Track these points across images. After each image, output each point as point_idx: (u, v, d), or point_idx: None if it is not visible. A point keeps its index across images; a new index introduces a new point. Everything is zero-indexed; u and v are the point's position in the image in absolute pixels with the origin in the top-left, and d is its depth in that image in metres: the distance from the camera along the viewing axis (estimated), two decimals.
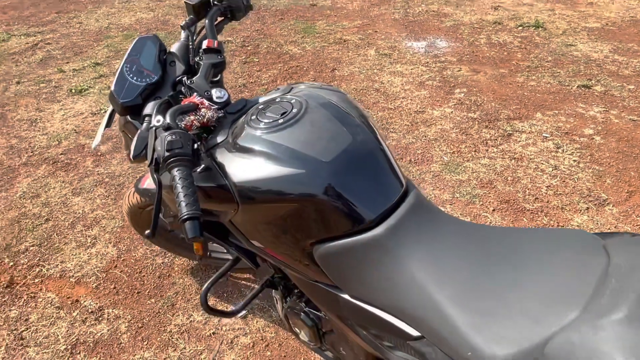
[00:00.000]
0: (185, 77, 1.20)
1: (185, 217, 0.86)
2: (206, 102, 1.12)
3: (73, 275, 2.10)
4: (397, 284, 0.93)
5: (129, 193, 1.75)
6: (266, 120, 1.04)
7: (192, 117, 1.11)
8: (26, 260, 2.19)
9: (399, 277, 0.93)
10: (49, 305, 1.97)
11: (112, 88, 1.18)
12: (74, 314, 1.93)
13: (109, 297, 1.99)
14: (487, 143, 2.83)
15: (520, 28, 4.46)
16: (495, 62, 3.82)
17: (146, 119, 1.14)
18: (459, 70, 3.70)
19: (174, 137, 0.94)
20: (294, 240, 1.03)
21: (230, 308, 1.92)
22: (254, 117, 1.07)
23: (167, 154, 0.93)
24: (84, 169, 2.78)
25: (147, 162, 1.01)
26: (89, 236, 2.30)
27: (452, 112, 3.16)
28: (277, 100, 1.11)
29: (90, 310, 1.94)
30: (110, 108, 1.32)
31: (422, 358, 0.94)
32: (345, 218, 0.97)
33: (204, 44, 1.23)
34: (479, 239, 0.96)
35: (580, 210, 2.30)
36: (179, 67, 1.25)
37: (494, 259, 0.91)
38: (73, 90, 3.61)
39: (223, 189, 1.02)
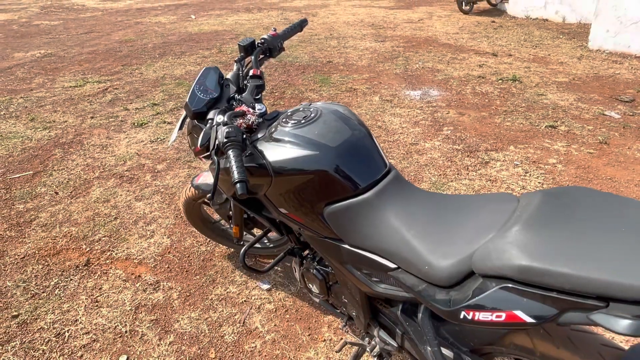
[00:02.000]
0: (236, 95, 1.52)
1: (237, 180, 1.14)
2: (251, 111, 1.43)
3: (136, 258, 2.37)
4: (380, 230, 1.20)
5: (185, 189, 2.04)
6: (293, 121, 1.34)
7: (241, 120, 1.41)
8: (99, 246, 2.48)
9: (381, 225, 1.20)
10: (117, 278, 2.24)
11: (187, 100, 1.49)
12: (137, 285, 2.19)
13: (164, 273, 2.26)
14: (468, 168, 3.09)
15: (500, 81, 4.78)
16: (478, 107, 4.12)
17: (209, 121, 1.44)
18: (447, 113, 4.01)
19: (230, 129, 1.24)
20: (310, 203, 1.30)
21: (261, 268, 2.17)
22: (284, 119, 1.37)
23: (225, 140, 1.23)
24: (144, 182, 3.10)
25: (210, 148, 1.30)
26: (148, 230, 2.58)
27: (440, 144, 3.44)
28: (300, 109, 1.42)
29: (149, 283, 2.20)
30: (183, 114, 1.63)
31: (399, 284, 1.19)
32: (346, 185, 1.24)
33: (251, 72, 1.55)
34: (437, 200, 1.23)
35: None
36: (232, 88, 1.56)
37: (444, 210, 1.18)
38: (135, 124, 3.99)
39: (262, 167, 1.31)
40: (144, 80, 5.18)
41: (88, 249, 2.47)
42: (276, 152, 1.30)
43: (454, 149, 3.36)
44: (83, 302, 2.11)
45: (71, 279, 2.25)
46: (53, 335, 1.93)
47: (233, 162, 1.18)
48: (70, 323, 1.99)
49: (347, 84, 4.85)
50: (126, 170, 3.25)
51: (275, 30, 1.74)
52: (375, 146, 1.32)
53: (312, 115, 1.35)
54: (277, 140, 1.32)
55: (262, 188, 1.40)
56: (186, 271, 2.27)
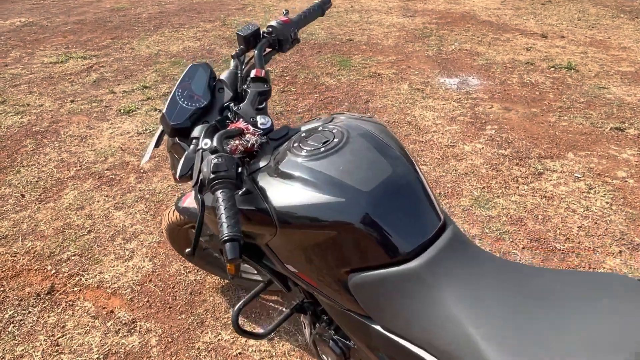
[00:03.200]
0: (232, 104, 1.21)
1: (226, 238, 0.85)
2: (251, 128, 1.13)
3: (110, 287, 2.11)
4: (432, 318, 0.89)
5: (168, 211, 1.76)
6: (308, 148, 1.04)
7: (237, 142, 1.11)
8: (67, 269, 2.22)
9: (433, 312, 0.90)
10: (85, 314, 1.98)
11: (164, 110, 1.19)
12: (108, 324, 1.93)
13: (142, 310, 1.99)
14: (517, 180, 2.76)
15: (553, 69, 4.39)
16: (527, 101, 3.76)
17: (193, 141, 1.14)
18: (490, 107, 3.66)
19: (219, 160, 0.94)
20: (329, 268, 1.00)
21: (259, 330, 1.89)
22: (296, 144, 1.07)
23: (212, 175, 0.93)
24: (127, 184, 2.83)
25: (192, 182, 1.01)
26: (127, 249, 2.32)
27: (482, 148, 3.11)
28: (319, 129, 1.11)
29: (123, 322, 1.94)
30: (160, 128, 1.34)
31: None
32: (381, 249, 0.94)
33: (252, 73, 1.24)
34: (517, 278, 0.92)
35: (613, 254, 2.20)
36: (227, 94, 1.26)
37: (532, 299, 0.87)
38: (122, 111, 3.71)
39: (263, 212, 1.01)
40: (135, 57, 4.89)
41: (54, 271, 2.21)
42: (283, 193, 1.00)
43: (499, 154, 3.03)
44: (41, 344, 1.85)
45: (30, 312, 2.00)
46: None
47: (222, 210, 0.89)
48: None
49: (370, 67, 4.51)
50: (107, 169, 2.98)
51: (287, 13, 1.43)
52: (425, 190, 1.01)
53: (336, 140, 1.04)
54: (286, 176, 1.02)
55: (262, 237, 1.11)
56: (169, 307, 1.99)
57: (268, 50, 1.38)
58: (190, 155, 1.10)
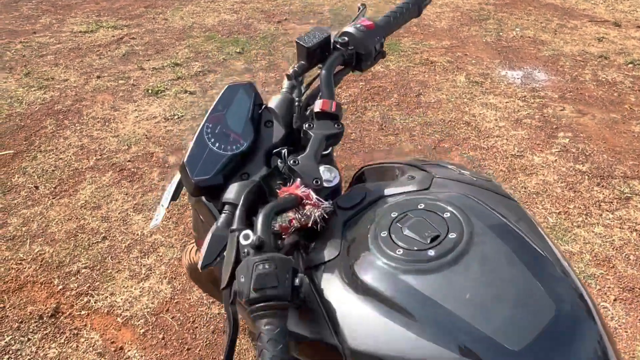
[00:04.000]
0: (285, 151, 0.82)
1: None
2: (313, 197, 0.73)
3: (121, 314, 1.79)
4: None
5: (190, 249, 1.40)
6: (406, 246, 0.64)
7: (291, 215, 0.73)
8: (76, 285, 1.91)
9: None
10: (91, 348, 1.67)
11: (186, 158, 0.81)
12: None
13: (156, 349, 1.66)
14: (600, 206, 2.30)
15: (631, 65, 3.80)
16: (605, 104, 3.22)
17: (226, 207, 0.76)
18: (562, 110, 3.14)
19: (267, 267, 0.59)
20: None
21: None
22: (384, 233, 0.67)
23: (254, 294, 0.58)
24: (149, 181, 2.49)
25: (222, 284, 0.64)
26: (144, 265, 1.99)
27: (555, 160, 2.63)
28: (418, 205, 0.71)
29: None
30: (177, 177, 0.96)
31: None
32: None
33: (317, 105, 0.83)
34: None
35: None
36: (277, 130, 0.86)
37: None
38: (149, 91, 3.35)
39: (329, 348, 0.63)
40: (168, 29, 4.49)
41: (61, 286, 1.91)
42: (364, 324, 0.61)
43: (576, 170, 2.55)
44: None
45: (29, 339, 1.70)
46: None
47: (266, 352, 0.53)
48: None
49: (421, 53, 4.00)
50: (129, 161, 2.65)
51: (364, 9, 1.00)
52: (603, 344, 0.60)
53: (453, 237, 0.64)
54: (367, 290, 0.63)
55: None
56: (187, 349, 1.66)
57: (340, 68, 0.96)
58: (219, 232, 0.73)
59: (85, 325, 1.76)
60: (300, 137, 0.83)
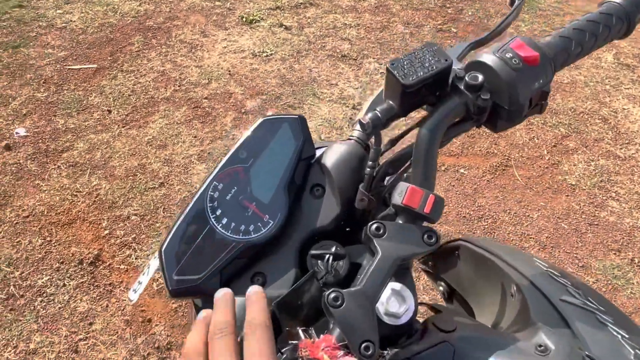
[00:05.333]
0: (331, 256, 0.47)
1: None
2: None
3: (157, 279, 1.61)
4: None
5: None
6: None
7: None
8: (122, 232, 1.76)
9: None
10: (119, 313, 1.52)
11: (167, 241, 0.49)
12: (138, 341, 1.45)
13: (183, 331, 1.48)
14: None
15: None
16: None
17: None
18: None
19: None
20: None
21: None
22: None
23: None
24: (220, 126, 2.23)
25: None
26: None
27: None
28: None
29: (156, 345, 1.44)
30: (154, 262, 0.64)
31: None
32: None
33: (399, 192, 0.46)
34: None
35: None
36: (329, 206, 0.51)
37: None
38: (244, 18, 3.02)
39: None
40: None
41: (107, 231, 1.76)
42: None
43: None
44: (60, 342, 1.44)
45: (64, 285, 1.59)
46: None
47: None
48: None
49: (563, 15, 3.24)
50: (205, 98, 2.40)
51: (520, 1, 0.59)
52: None
53: None
54: None
55: None
56: None
57: (456, 119, 0.55)
58: None
59: (121, 282, 1.61)
60: (362, 236, 0.47)
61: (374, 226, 0.46)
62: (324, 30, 2.93)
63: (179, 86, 2.48)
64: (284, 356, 0.44)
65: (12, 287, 1.57)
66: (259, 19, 3.03)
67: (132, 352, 1.42)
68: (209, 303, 0.50)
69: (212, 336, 0.41)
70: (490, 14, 3.22)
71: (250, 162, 0.51)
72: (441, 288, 0.79)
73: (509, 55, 0.51)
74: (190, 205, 0.50)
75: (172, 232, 0.49)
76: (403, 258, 0.44)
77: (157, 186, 1.94)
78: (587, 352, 0.48)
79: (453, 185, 2.02)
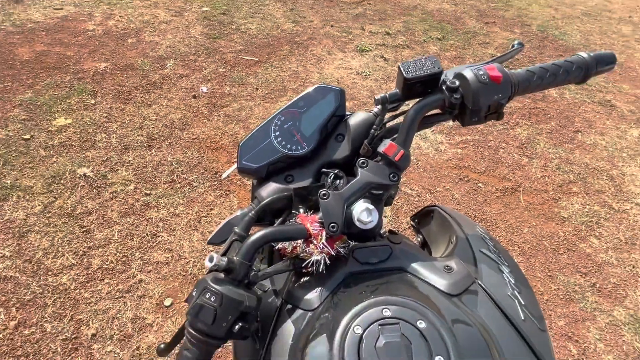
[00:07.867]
0: (332, 174, 0.55)
1: None
2: (321, 240, 0.47)
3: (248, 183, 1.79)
4: None
5: None
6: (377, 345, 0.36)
7: (293, 245, 0.49)
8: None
9: None
10: (229, 206, 1.73)
11: (243, 140, 0.59)
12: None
13: None
14: None
15: None
16: None
17: (254, 200, 0.56)
18: None
19: (211, 299, 0.39)
20: None
21: None
22: (358, 329, 0.39)
23: (189, 318, 0.40)
24: None
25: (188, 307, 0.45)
26: None
27: None
28: (428, 315, 0.40)
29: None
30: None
31: None
32: None
33: (383, 144, 0.52)
34: None
35: None
36: (344, 148, 0.58)
37: None
38: (358, 47, 3.07)
39: None
40: (397, 4, 3.97)
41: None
42: None
43: None
44: (190, 214, 1.68)
45: (202, 184, 1.83)
46: (147, 234, 1.59)
47: None
48: (162, 229, 1.61)
49: (606, 92, 2.84)
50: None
51: (519, 46, 0.62)
52: None
53: None
54: None
55: None
56: None
57: (435, 112, 0.58)
58: (232, 222, 0.53)
59: (235, 191, 1.81)
60: (361, 162, 0.54)
61: (361, 161, 0.52)
62: None
63: (302, 83, 2.62)
64: (290, 219, 0.53)
65: (175, 176, 1.85)
66: (368, 49, 3.06)
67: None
68: (258, 182, 0.60)
69: None
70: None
71: (304, 110, 0.59)
72: (419, 239, 0.82)
73: (481, 72, 0.53)
74: (263, 124, 0.60)
75: (248, 136, 0.60)
76: (372, 183, 0.50)
77: None
78: (478, 281, 0.51)
79: (469, 192, 1.94)
